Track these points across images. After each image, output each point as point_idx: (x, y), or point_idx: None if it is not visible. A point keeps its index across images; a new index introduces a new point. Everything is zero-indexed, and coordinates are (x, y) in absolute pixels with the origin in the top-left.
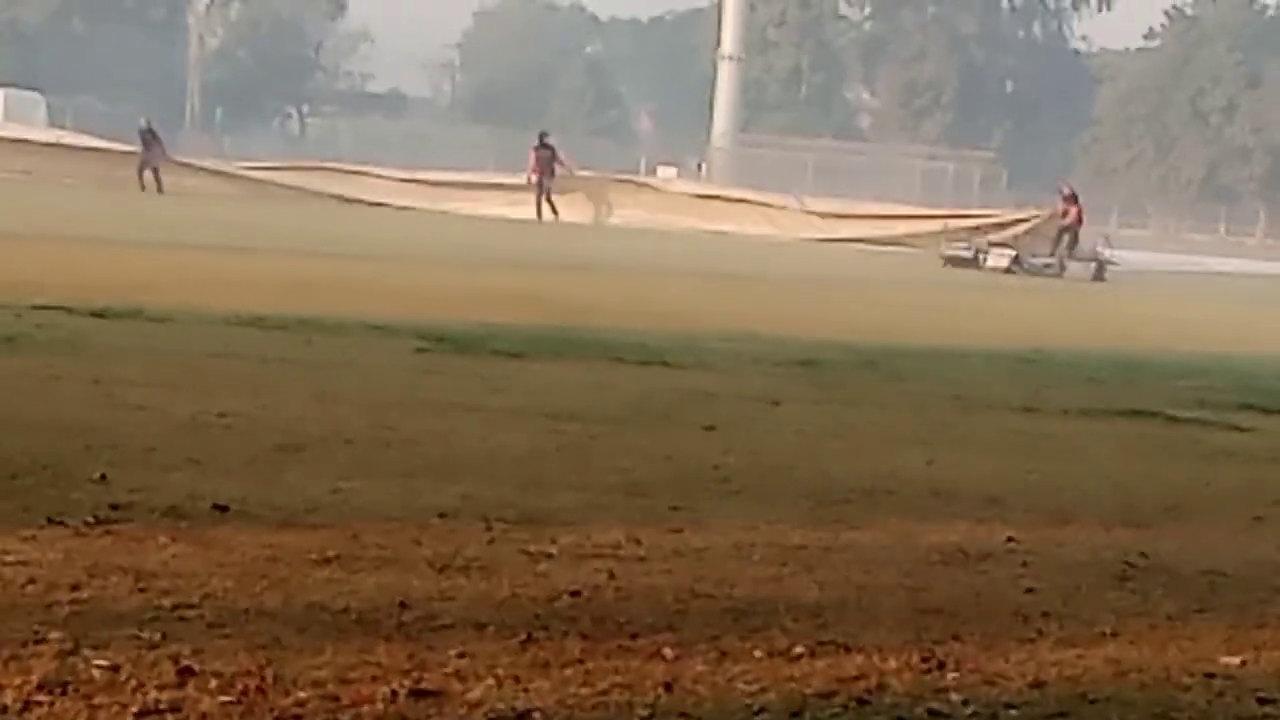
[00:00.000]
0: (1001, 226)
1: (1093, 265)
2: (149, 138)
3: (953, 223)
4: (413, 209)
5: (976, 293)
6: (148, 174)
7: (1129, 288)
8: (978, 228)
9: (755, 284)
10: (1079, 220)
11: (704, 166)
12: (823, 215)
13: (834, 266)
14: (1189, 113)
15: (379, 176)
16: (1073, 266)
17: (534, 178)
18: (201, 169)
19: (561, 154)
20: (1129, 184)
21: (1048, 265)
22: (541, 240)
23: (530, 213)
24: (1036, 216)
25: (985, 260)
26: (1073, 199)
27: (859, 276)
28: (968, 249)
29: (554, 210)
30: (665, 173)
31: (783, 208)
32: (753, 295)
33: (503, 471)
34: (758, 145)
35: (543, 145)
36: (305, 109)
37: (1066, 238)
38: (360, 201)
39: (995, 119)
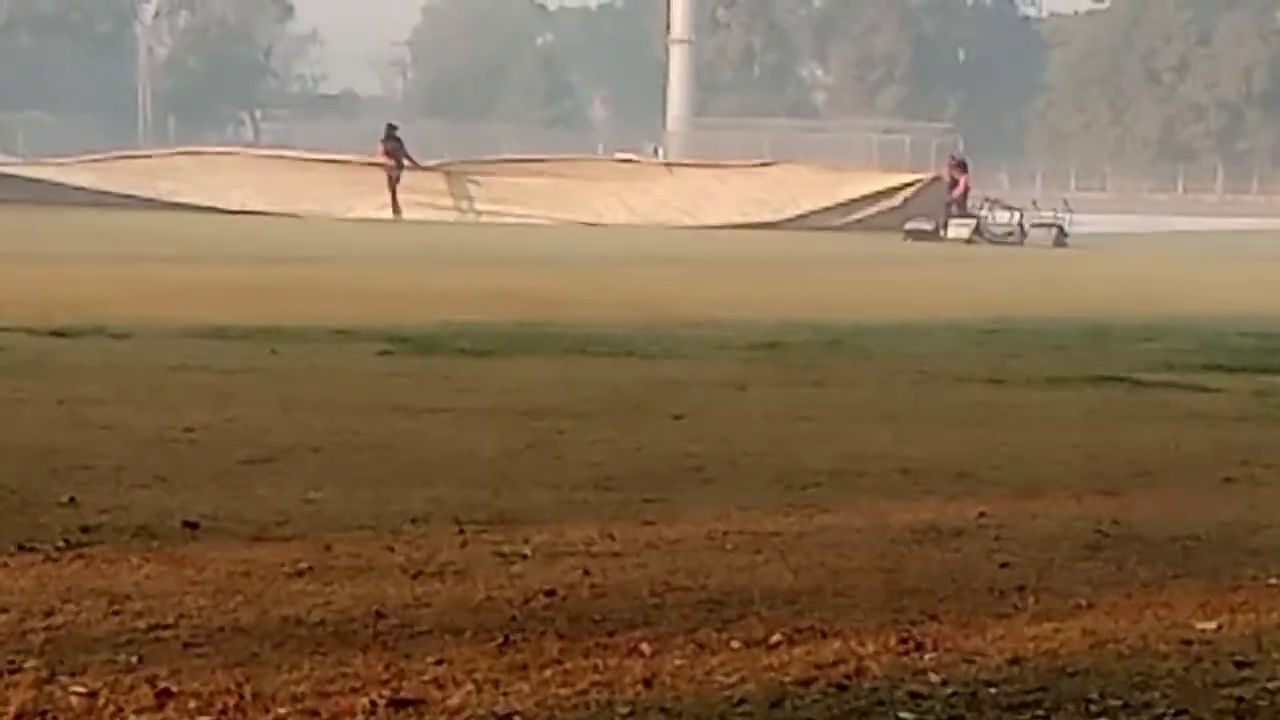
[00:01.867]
0: (885, 194)
1: (1053, 231)
2: None
3: (844, 192)
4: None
5: (939, 265)
6: None
7: (1090, 252)
8: (862, 198)
9: (718, 268)
10: (966, 190)
11: (660, 151)
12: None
13: (799, 245)
14: (1141, 73)
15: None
16: (1034, 233)
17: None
18: None
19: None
20: (1085, 147)
21: (1009, 234)
22: (490, 236)
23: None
24: (919, 181)
25: (946, 232)
26: (961, 167)
27: (822, 255)
28: (929, 222)
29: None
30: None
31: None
32: (716, 280)
33: (474, 472)
34: (714, 128)
35: (390, 138)
36: (258, 114)
37: (954, 207)
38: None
39: (950, 89)
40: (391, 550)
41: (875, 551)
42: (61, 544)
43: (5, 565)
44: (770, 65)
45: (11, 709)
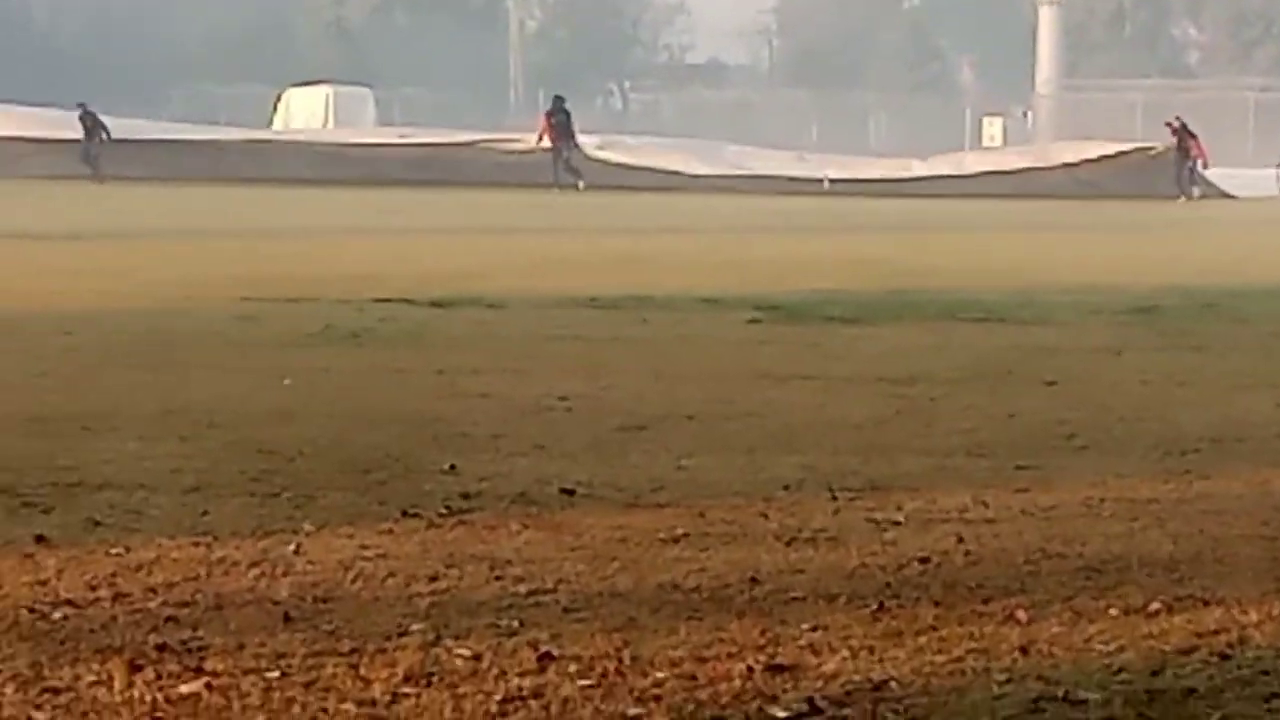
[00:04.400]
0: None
1: None
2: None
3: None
4: None
5: None
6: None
7: None
8: (1082, 162)
9: (1085, 233)
10: (1202, 156)
11: (1029, 115)
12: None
13: (1168, 209)
14: None
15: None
16: None
17: (548, 142)
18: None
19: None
20: None
21: None
22: (847, 205)
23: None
24: (1152, 148)
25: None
26: (1185, 131)
27: (1192, 217)
28: None
29: (577, 176)
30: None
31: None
32: (1085, 244)
33: (844, 440)
34: (1083, 90)
35: (559, 110)
36: (627, 85)
37: (1186, 171)
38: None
39: None
40: (765, 517)
41: (1257, 519)
42: (444, 510)
43: (391, 531)
44: (1142, 24)
45: (400, 670)
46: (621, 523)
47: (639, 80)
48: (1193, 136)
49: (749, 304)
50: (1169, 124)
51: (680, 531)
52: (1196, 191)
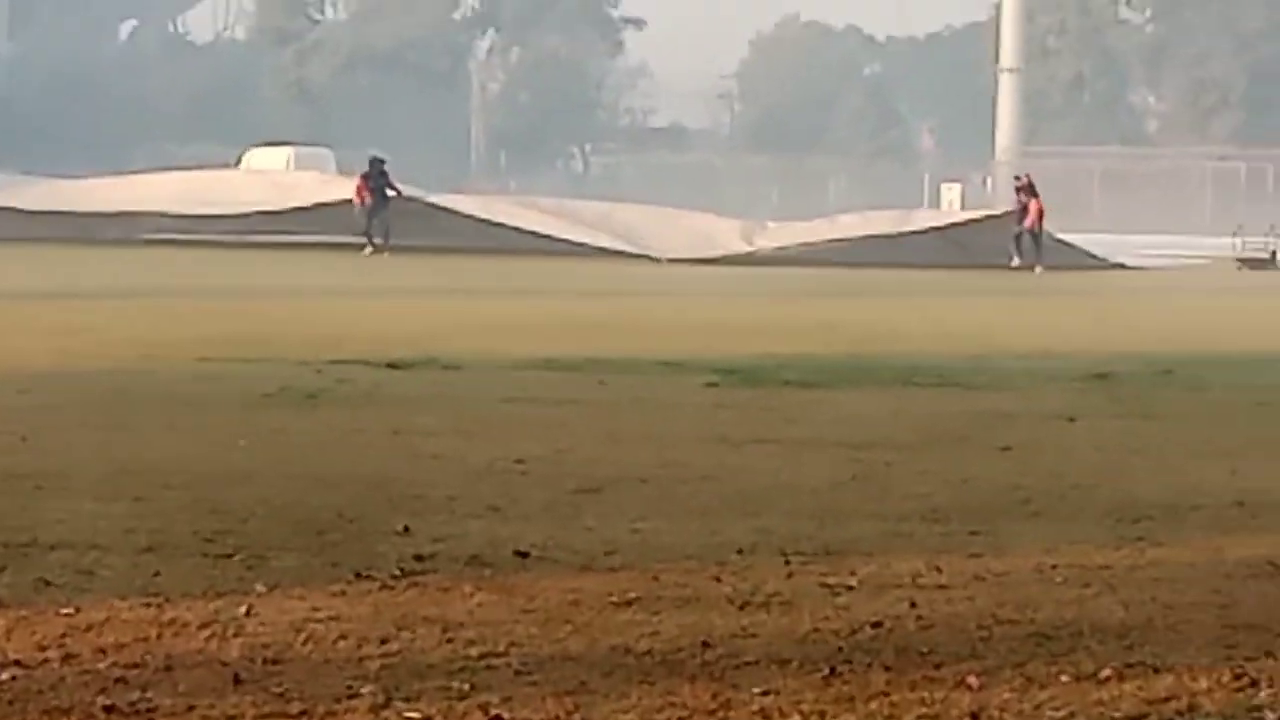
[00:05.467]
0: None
1: None
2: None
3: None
4: None
5: (1275, 295)
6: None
7: None
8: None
9: (1040, 299)
10: (1040, 215)
11: (989, 181)
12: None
13: (1122, 278)
14: None
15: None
16: None
17: (361, 201)
18: None
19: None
20: None
21: None
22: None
23: None
24: (989, 216)
25: (1014, 262)
26: (1030, 190)
27: (1150, 285)
28: (1263, 250)
29: (385, 240)
30: (949, 191)
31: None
32: (1041, 310)
33: (799, 504)
34: (1042, 156)
35: (377, 173)
36: (588, 148)
37: (1027, 238)
38: None
39: None
40: (718, 580)
41: (1209, 587)
42: (397, 572)
43: (343, 593)
44: (1101, 92)
45: None
46: (574, 586)
47: (600, 143)
48: (1034, 195)
49: (706, 367)
50: (1016, 178)
51: (633, 595)
52: (1016, 261)
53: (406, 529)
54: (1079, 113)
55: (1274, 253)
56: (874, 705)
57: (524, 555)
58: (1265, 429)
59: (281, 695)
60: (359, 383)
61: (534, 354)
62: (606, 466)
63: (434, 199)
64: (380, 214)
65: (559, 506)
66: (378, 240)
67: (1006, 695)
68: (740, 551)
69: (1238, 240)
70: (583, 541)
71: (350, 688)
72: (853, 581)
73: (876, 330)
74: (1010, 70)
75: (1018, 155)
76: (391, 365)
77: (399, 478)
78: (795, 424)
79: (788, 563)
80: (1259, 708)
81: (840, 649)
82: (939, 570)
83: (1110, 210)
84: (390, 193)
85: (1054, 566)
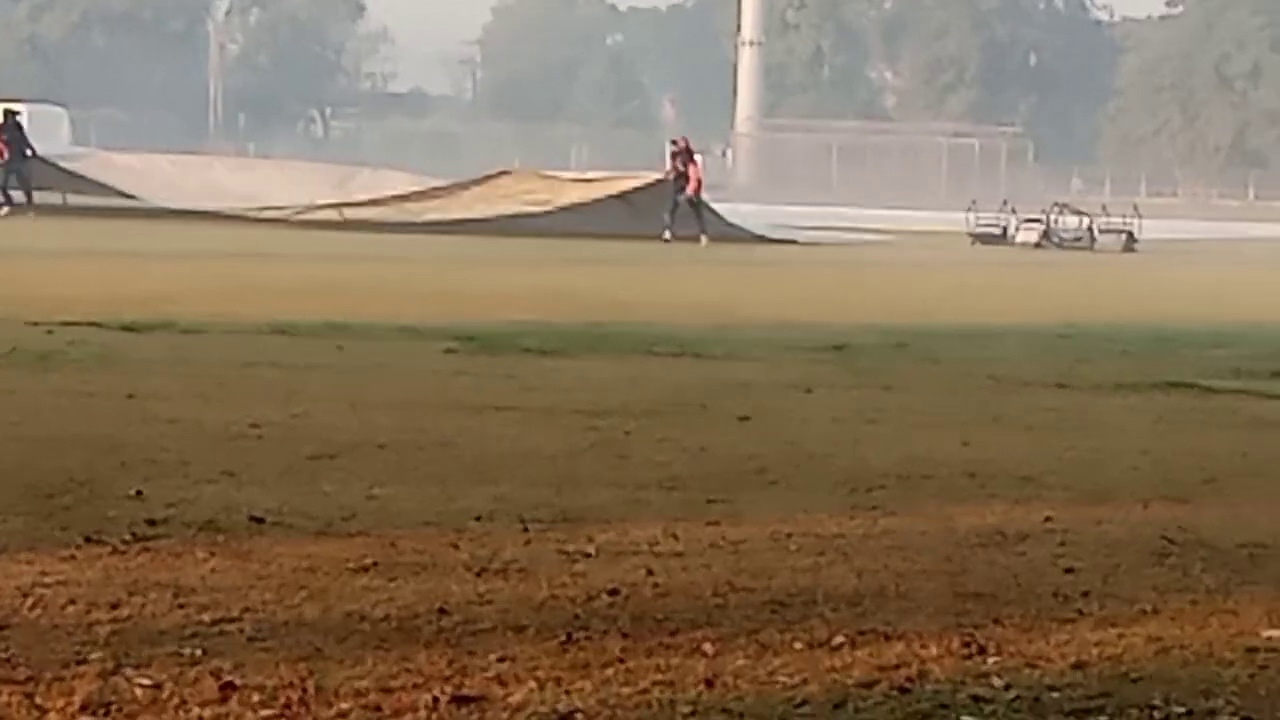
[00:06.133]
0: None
1: (1123, 237)
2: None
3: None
4: None
5: (1006, 269)
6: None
7: (1160, 258)
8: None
9: (782, 270)
10: (699, 185)
11: (729, 153)
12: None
13: (863, 250)
14: (1214, 79)
15: None
16: (1103, 239)
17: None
18: None
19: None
20: (1156, 153)
21: (1078, 239)
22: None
23: None
24: (648, 180)
25: (1015, 236)
26: (686, 155)
27: (888, 259)
28: (996, 225)
29: (28, 200)
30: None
31: None
32: (782, 282)
33: (538, 471)
34: (782, 129)
35: (12, 126)
36: (328, 112)
37: (685, 208)
38: None
39: (1020, 93)
40: (456, 547)
41: (940, 555)
42: (128, 537)
43: (73, 557)
44: (840, 67)
45: (77, 700)
46: (310, 551)
47: (341, 108)
48: (691, 161)
49: (446, 334)
50: (673, 142)
51: (370, 561)
52: (668, 235)
53: (139, 493)
54: (818, 87)
55: (1005, 228)
56: (610, 672)
57: (259, 521)
58: (996, 401)
59: (8, 661)
60: (92, 345)
61: (272, 318)
62: (344, 432)
63: (67, 165)
64: (20, 171)
65: (295, 472)
66: (19, 199)
67: (741, 662)
68: (478, 518)
69: (971, 215)
70: (319, 507)
71: (79, 653)
72: (590, 549)
73: (614, 299)
74: (750, 43)
75: (758, 127)
76: (126, 328)
77: (132, 442)
78: (534, 391)
79: (526, 530)
80: (986, 674)
81: (577, 616)
82: (676, 538)
83: (848, 184)
84: (28, 151)
85: (789, 535)
